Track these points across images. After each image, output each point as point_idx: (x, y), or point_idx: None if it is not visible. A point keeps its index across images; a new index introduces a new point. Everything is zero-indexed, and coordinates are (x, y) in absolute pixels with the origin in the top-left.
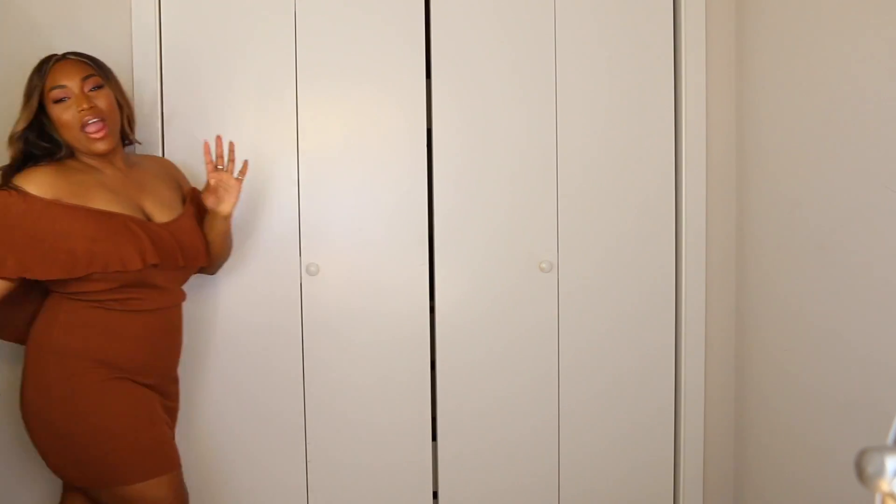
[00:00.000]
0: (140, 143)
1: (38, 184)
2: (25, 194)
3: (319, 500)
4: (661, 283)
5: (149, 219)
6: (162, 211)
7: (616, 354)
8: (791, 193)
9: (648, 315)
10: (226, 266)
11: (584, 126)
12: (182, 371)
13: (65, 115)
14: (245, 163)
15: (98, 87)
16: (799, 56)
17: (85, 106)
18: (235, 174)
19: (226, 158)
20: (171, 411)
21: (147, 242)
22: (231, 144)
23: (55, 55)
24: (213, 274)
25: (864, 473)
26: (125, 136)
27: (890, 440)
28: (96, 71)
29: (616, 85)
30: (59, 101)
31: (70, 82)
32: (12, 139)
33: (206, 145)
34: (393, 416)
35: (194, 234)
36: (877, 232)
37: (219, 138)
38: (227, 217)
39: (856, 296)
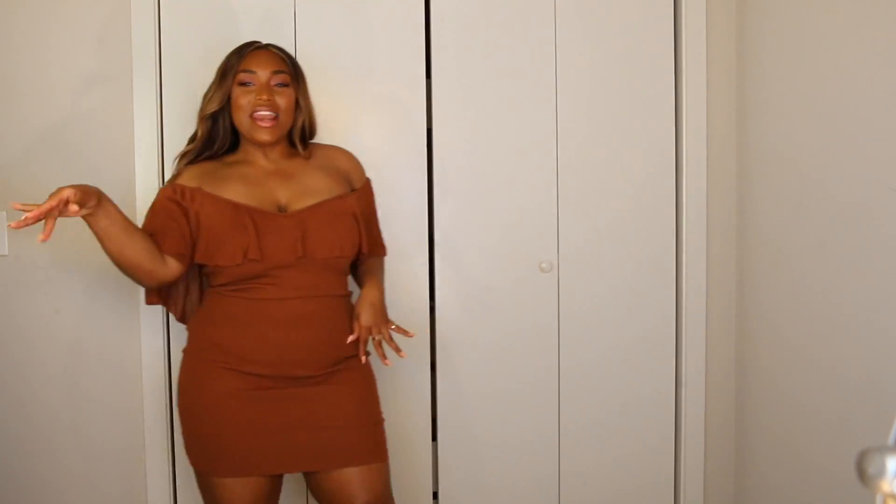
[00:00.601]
0: (304, 153)
1: (189, 176)
2: (176, 188)
3: None
4: (662, 282)
5: (283, 210)
6: (302, 199)
7: (616, 354)
8: (792, 192)
9: (649, 314)
10: None
11: (584, 126)
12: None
13: (243, 98)
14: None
15: (283, 85)
16: (801, 52)
17: (264, 96)
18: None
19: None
20: (293, 409)
21: (253, 237)
22: None
23: (258, 42)
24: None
25: (864, 474)
26: (294, 141)
27: (891, 440)
28: (288, 69)
29: (616, 84)
30: (243, 83)
31: (260, 70)
32: (203, 117)
33: None
34: (393, 417)
35: (328, 226)
36: (878, 230)
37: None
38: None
39: (857, 293)
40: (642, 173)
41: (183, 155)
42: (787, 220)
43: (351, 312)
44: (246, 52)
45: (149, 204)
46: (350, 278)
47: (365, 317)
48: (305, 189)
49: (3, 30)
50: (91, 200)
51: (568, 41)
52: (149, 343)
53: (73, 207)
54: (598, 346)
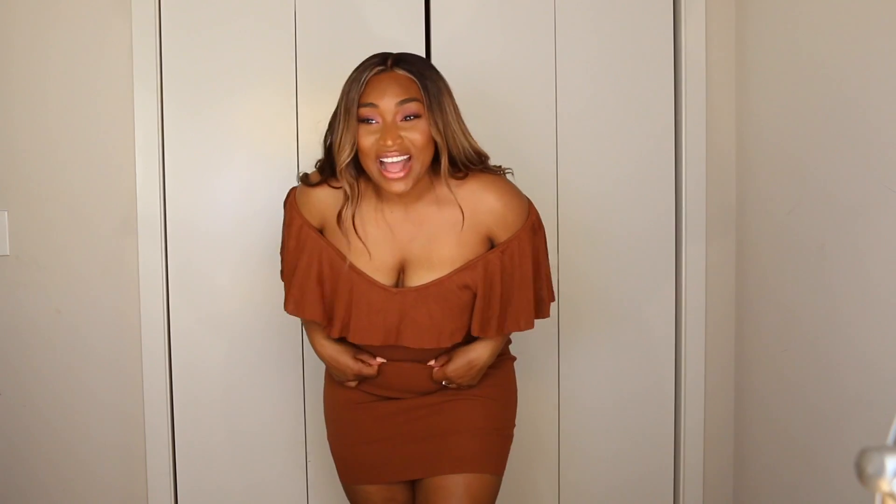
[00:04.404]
0: (453, 182)
1: (312, 209)
2: (293, 202)
3: (319, 500)
4: (661, 282)
5: (399, 282)
6: (419, 271)
7: (616, 353)
8: (791, 192)
9: (649, 313)
10: (220, 274)
11: (583, 126)
12: (181, 368)
13: (366, 139)
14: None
15: (414, 117)
16: (800, 51)
17: (389, 142)
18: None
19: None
20: (418, 419)
21: (343, 315)
22: None
23: (376, 63)
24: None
25: (863, 473)
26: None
27: (890, 440)
28: (419, 94)
29: (615, 84)
30: (365, 120)
31: (383, 103)
32: (342, 171)
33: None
34: None
35: (428, 314)
36: (877, 231)
37: None
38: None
39: (856, 293)
40: (642, 172)
41: (318, 168)
42: (787, 220)
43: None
44: (365, 80)
45: (149, 206)
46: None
47: (454, 368)
48: (428, 256)
49: (2, 30)
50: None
51: (567, 45)
52: (149, 343)
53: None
54: (598, 346)
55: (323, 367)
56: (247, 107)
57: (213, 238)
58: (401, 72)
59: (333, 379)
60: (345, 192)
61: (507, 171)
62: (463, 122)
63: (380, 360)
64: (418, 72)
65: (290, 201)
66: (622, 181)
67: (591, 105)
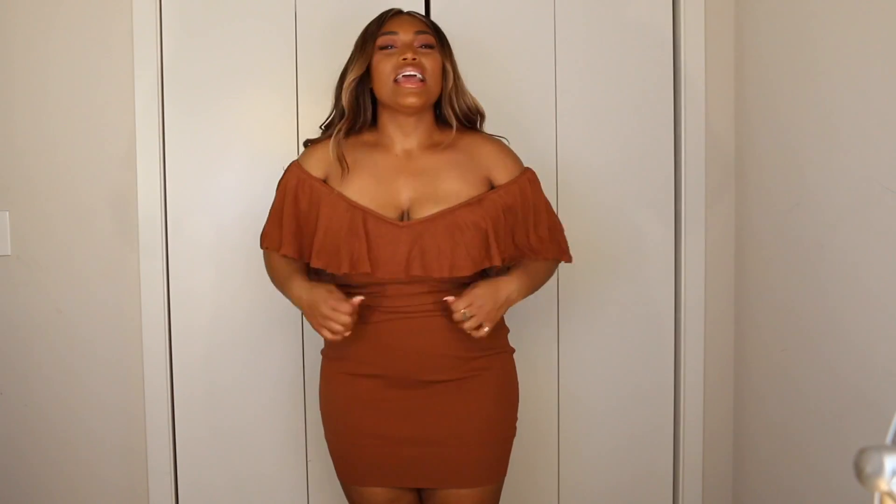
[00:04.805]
0: (452, 129)
1: (315, 159)
2: (300, 169)
3: (319, 500)
4: (661, 282)
5: (405, 216)
6: (425, 205)
7: (616, 353)
8: (790, 192)
9: (648, 312)
10: (221, 274)
11: (582, 130)
12: (181, 367)
13: (385, 62)
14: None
15: (428, 46)
16: (798, 51)
17: (409, 55)
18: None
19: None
20: (419, 420)
21: (364, 248)
22: None
23: (397, 8)
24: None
25: (862, 473)
26: (445, 116)
27: (888, 439)
28: (432, 32)
29: (615, 85)
30: (384, 47)
31: (402, 32)
32: (346, 89)
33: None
34: None
35: (447, 241)
36: (876, 231)
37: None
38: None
39: (855, 292)
40: (641, 171)
41: (323, 128)
42: (786, 219)
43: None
44: (385, 17)
45: (149, 206)
46: None
47: (479, 292)
48: (433, 192)
49: (3, 30)
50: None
51: (567, 48)
52: (150, 342)
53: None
54: (598, 345)
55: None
56: (247, 107)
57: (213, 237)
58: (416, 14)
59: (331, 376)
60: (339, 116)
61: (501, 137)
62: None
63: (359, 298)
64: (429, 20)
65: (288, 168)
66: (623, 182)
67: (589, 106)
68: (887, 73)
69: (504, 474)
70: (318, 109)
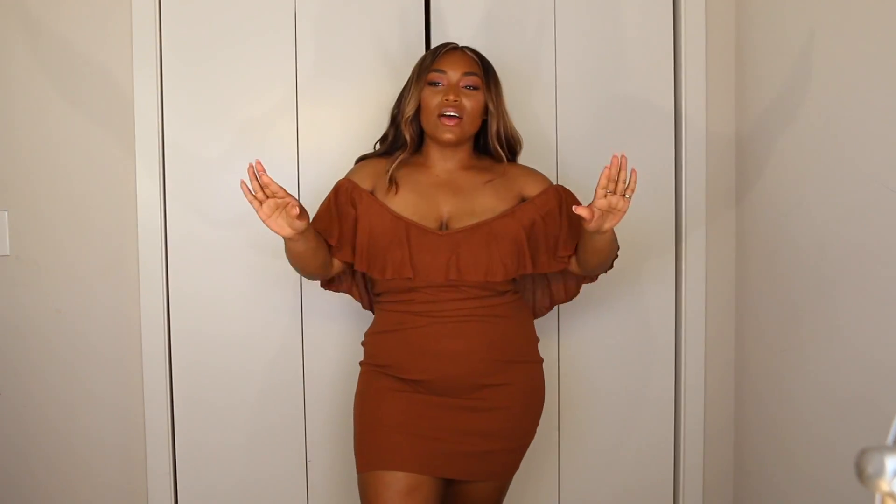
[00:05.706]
0: (503, 162)
1: (364, 173)
2: (352, 183)
3: (319, 500)
4: (661, 283)
5: (444, 227)
6: (463, 218)
7: (617, 356)
8: (791, 192)
9: (648, 315)
10: (220, 274)
11: (582, 130)
12: (181, 368)
13: (432, 98)
14: (634, 176)
15: (473, 88)
16: (799, 52)
17: (451, 97)
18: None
19: (621, 178)
20: (449, 416)
21: (406, 255)
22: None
23: (454, 43)
24: (592, 282)
25: (863, 474)
26: (492, 148)
27: (890, 440)
28: (480, 72)
29: (615, 84)
30: (433, 83)
31: (451, 71)
32: (405, 123)
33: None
34: None
35: (483, 249)
36: (876, 231)
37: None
38: (606, 232)
39: (855, 294)
40: (641, 171)
41: (377, 144)
42: (786, 220)
43: (514, 329)
44: (440, 53)
45: (149, 206)
46: (510, 301)
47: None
48: (470, 207)
49: (2, 31)
50: (304, 222)
51: (567, 47)
52: (149, 343)
53: (295, 211)
54: (598, 345)
55: (355, 364)
56: (247, 107)
57: (213, 238)
58: (469, 52)
59: (369, 378)
60: (391, 143)
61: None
62: (507, 111)
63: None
64: (482, 58)
65: (340, 181)
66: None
67: (588, 107)
68: (887, 73)
69: (518, 468)
70: (317, 109)
